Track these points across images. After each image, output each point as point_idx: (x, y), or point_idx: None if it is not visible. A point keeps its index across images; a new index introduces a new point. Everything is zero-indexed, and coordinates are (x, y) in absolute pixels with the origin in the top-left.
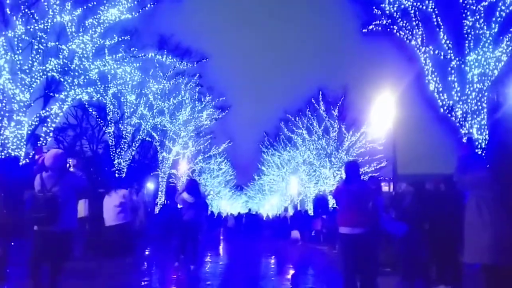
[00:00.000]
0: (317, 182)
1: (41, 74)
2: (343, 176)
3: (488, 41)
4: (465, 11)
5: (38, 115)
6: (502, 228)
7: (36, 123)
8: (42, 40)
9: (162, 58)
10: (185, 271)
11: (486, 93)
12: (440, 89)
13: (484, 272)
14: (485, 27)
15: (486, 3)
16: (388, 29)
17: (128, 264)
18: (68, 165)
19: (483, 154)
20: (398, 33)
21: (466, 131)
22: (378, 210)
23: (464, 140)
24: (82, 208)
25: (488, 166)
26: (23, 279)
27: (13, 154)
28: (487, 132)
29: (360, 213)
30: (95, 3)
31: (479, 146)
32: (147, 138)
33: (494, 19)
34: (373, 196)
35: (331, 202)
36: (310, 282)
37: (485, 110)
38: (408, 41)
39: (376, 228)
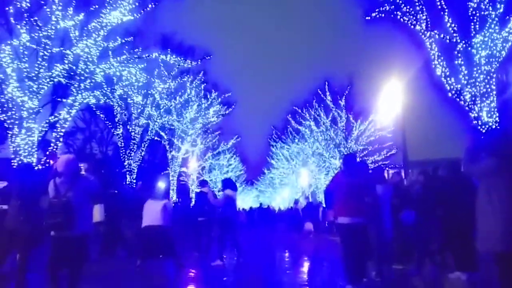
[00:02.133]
0: (327, 173)
1: (47, 80)
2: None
3: (494, 22)
4: None
5: (47, 121)
6: None
7: (46, 129)
8: (47, 47)
9: (166, 57)
10: (206, 266)
11: (494, 75)
12: (448, 73)
13: (497, 260)
14: (490, 8)
15: None
16: (392, 15)
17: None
18: (80, 169)
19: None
20: (402, 19)
21: (476, 115)
22: (379, 200)
23: (472, 129)
24: (97, 213)
25: (494, 152)
26: (42, 285)
27: (25, 161)
28: (497, 115)
29: (360, 204)
30: (96, 6)
31: (488, 129)
32: (155, 138)
33: None
34: (373, 186)
35: None
36: (326, 274)
37: (494, 92)
38: (412, 27)
39: (377, 217)
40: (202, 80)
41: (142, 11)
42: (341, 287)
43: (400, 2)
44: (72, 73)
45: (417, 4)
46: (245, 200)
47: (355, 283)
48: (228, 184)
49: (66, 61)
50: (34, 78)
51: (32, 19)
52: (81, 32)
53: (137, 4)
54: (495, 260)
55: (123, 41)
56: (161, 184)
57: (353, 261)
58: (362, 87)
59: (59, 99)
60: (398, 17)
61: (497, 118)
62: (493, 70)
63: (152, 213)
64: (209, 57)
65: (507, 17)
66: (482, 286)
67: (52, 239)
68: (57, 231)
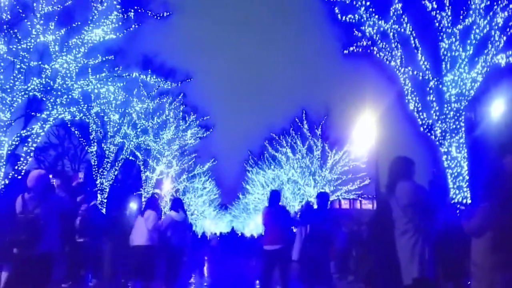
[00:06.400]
0: (302, 200)
1: (22, 93)
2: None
3: (464, 62)
4: (442, 34)
5: (18, 134)
6: None
7: (17, 143)
8: (25, 60)
9: (146, 78)
10: None
11: (463, 112)
12: (420, 108)
13: None
14: (460, 49)
15: (461, 26)
16: (369, 51)
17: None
18: (51, 185)
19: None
20: (378, 55)
21: (446, 149)
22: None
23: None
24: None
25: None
26: None
27: None
28: (465, 151)
29: (279, 231)
30: (79, 23)
31: (458, 164)
32: (130, 158)
33: (469, 41)
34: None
35: None
36: None
37: (463, 128)
38: (388, 62)
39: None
40: (181, 102)
41: (125, 31)
42: None
43: (377, 38)
44: (48, 88)
45: (392, 41)
46: (218, 224)
47: None
48: (173, 204)
49: (43, 75)
50: (9, 90)
51: (11, 31)
52: (61, 47)
53: (120, 23)
54: None
55: (104, 59)
56: (133, 205)
57: (268, 282)
58: (338, 118)
59: (33, 113)
60: (375, 52)
61: (465, 154)
62: (462, 107)
63: (141, 231)
64: (189, 80)
65: (476, 58)
66: None
67: (14, 256)
68: (20, 248)
